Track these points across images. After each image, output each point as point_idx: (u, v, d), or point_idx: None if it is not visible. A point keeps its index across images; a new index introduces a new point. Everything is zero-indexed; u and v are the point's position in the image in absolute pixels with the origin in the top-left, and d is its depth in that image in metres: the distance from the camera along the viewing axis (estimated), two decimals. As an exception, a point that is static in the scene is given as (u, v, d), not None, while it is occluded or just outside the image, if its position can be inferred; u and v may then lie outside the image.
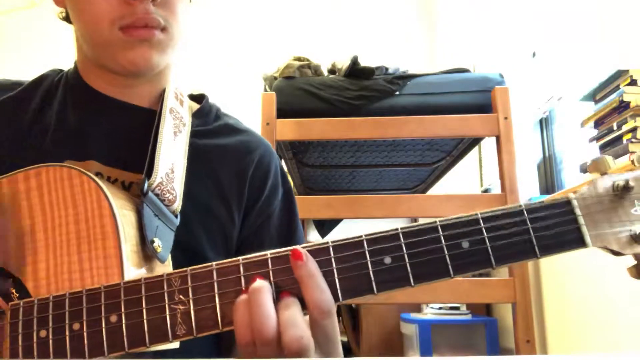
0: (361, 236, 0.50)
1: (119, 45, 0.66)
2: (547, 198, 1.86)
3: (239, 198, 0.76)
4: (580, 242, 0.49)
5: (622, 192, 0.50)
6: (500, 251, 0.49)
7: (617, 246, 0.49)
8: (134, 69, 0.68)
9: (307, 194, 3.23)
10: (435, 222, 0.50)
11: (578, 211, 0.50)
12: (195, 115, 0.80)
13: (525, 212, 0.50)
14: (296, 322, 0.47)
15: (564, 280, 2.14)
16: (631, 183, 0.50)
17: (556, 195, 1.88)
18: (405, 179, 3.05)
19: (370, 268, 0.49)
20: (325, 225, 3.80)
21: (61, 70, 0.80)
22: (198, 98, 0.85)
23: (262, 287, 0.48)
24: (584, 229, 0.49)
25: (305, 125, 2.07)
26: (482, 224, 0.50)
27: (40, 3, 4.26)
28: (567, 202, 0.50)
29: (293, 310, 0.48)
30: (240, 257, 0.50)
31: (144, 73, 0.71)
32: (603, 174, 0.52)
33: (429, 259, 0.49)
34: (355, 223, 3.85)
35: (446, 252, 0.49)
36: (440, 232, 0.50)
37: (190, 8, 0.75)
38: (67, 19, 0.75)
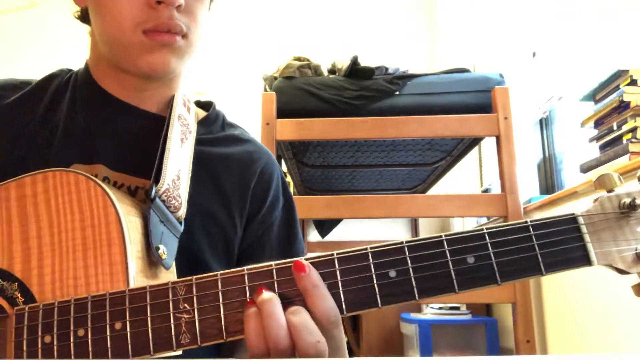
0: (366, 248, 0.50)
1: (140, 48, 0.66)
2: (545, 198, 1.83)
3: (241, 206, 0.76)
4: (585, 260, 0.49)
5: (628, 210, 0.50)
6: (506, 267, 0.49)
7: (623, 265, 0.49)
8: (152, 73, 0.68)
9: (307, 194, 3.23)
10: (441, 236, 0.50)
11: (584, 228, 0.49)
12: (201, 123, 0.80)
13: (531, 228, 0.49)
14: (309, 327, 0.47)
15: (563, 280, 2.14)
16: (638, 201, 0.49)
17: (555, 197, 1.85)
18: (405, 179, 3.05)
19: (375, 281, 0.49)
20: (325, 225, 3.81)
21: (70, 70, 0.80)
22: (205, 105, 0.86)
23: (272, 297, 0.48)
24: (590, 247, 0.49)
25: (305, 125, 2.07)
26: (488, 239, 0.49)
27: (40, 3, 4.25)
28: (573, 219, 0.50)
29: (303, 316, 0.48)
30: (245, 268, 0.50)
31: (161, 77, 0.72)
32: (609, 190, 0.51)
33: (434, 274, 0.49)
34: (355, 223, 3.87)
35: (451, 267, 0.49)
36: (446, 247, 0.49)
37: (209, 17, 0.75)
38: (82, 18, 0.75)
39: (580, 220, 0.50)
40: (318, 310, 0.48)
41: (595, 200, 0.51)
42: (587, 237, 0.49)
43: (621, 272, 0.49)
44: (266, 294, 0.48)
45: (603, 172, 0.51)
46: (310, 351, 0.46)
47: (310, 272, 0.48)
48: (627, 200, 0.50)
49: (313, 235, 4.03)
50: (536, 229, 0.49)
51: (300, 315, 0.48)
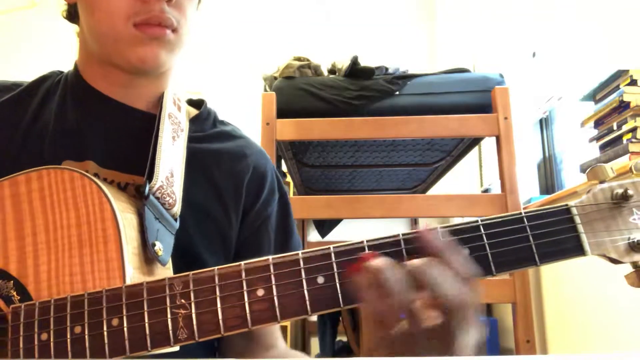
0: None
1: (130, 41, 0.67)
2: (545, 198, 1.84)
3: (236, 201, 0.77)
4: (579, 250, 0.49)
5: (620, 201, 0.50)
6: (500, 258, 0.49)
7: (616, 254, 0.49)
8: (142, 66, 0.69)
9: (307, 194, 3.23)
10: (436, 228, 0.50)
11: (577, 219, 0.50)
12: (193, 121, 0.80)
13: (525, 219, 0.50)
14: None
15: (564, 280, 2.14)
16: (630, 191, 0.50)
17: (555, 197, 1.85)
18: (405, 179, 3.05)
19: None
20: (325, 225, 3.80)
21: (61, 72, 0.80)
22: (197, 103, 0.86)
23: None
24: (583, 237, 0.49)
25: (305, 125, 2.07)
26: (483, 231, 0.50)
27: (40, 3, 4.26)
28: (567, 210, 0.50)
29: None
30: (242, 262, 0.50)
31: (150, 71, 0.72)
32: (602, 182, 0.52)
33: None
34: (355, 223, 3.86)
35: None
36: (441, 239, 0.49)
37: (197, 14, 0.75)
38: (69, 17, 0.75)
39: (574, 210, 0.50)
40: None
41: (589, 192, 0.52)
42: (580, 228, 0.50)
43: (614, 261, 0.50)
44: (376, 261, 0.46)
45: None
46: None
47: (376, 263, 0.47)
48: (620, 190, 0.50)
49: (313, 235, 4.02)
50: (530, 220, 0.50)
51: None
